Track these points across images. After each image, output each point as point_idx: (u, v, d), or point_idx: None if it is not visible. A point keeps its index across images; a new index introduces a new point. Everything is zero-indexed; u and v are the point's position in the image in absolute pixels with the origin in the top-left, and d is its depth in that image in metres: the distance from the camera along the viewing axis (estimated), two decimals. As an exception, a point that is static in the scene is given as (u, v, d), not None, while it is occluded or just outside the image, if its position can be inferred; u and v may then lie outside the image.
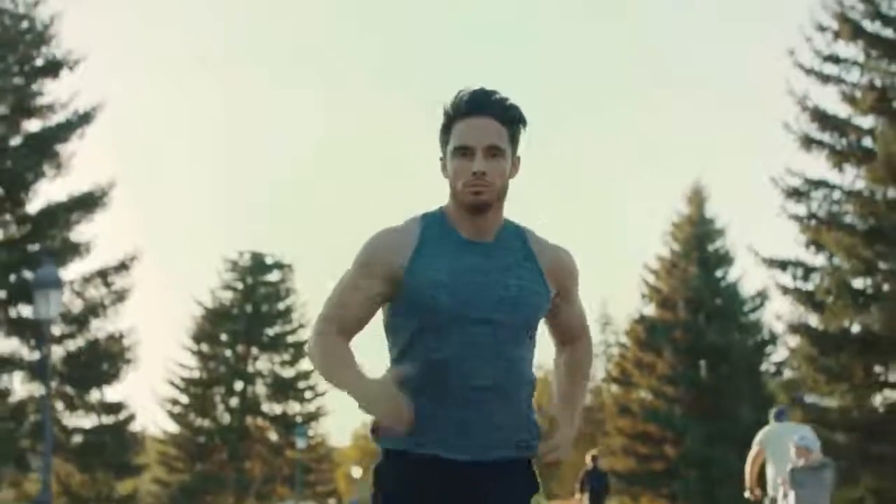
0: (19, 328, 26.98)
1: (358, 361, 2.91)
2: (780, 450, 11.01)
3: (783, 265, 27.34)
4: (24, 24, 28.16)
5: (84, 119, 28.27)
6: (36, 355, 26.46)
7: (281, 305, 43.98)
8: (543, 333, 3.09)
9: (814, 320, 26.93)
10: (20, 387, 27.56)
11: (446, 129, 2.93)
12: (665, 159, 76.26)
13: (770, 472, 11.46)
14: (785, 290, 27.30)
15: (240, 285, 43.66)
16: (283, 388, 43.18)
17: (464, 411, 2.87)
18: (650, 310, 38.85)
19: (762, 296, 37.86)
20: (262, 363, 43.43)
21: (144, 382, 68.35)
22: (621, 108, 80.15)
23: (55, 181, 28.21)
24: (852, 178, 26.68)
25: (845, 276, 26.13)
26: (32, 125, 28.31)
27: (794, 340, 28.08)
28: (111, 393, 29.52)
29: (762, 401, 31.53)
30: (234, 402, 42.73)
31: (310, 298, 45.89)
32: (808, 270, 27.04)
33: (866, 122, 26.76)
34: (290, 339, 43.62)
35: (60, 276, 17.62)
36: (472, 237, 2.94)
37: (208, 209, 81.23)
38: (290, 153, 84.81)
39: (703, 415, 36.09)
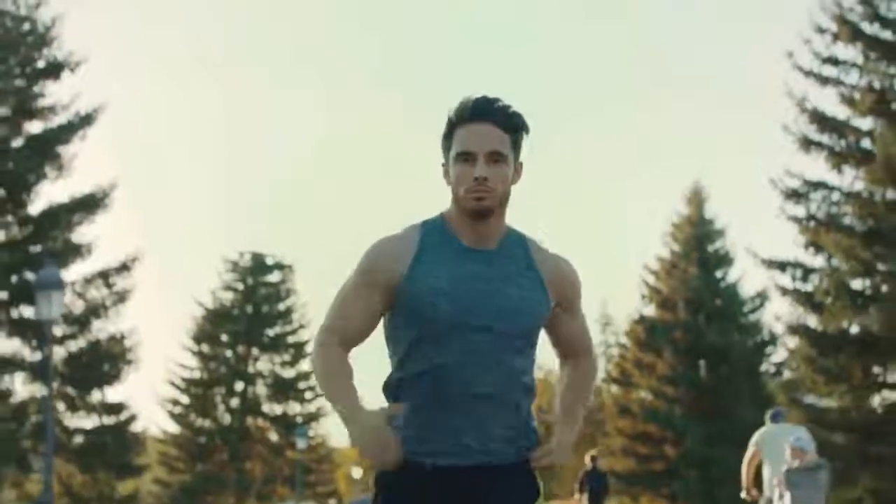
0: (21, 329, 27.04)
1: (355, 384, 2.92)
2: (776, 451, 11.06)
3: (782, 266, 27.39)
4: (26, 27, 28.23)
5: (85, 120, 28.32)
6: (37, 356, 26.51)
7: (281, 306, 43.99)
8: (544, 338, 3.10)
9: (813, 321, 26.98)
10: (22, 387, 27.66)
11: (448, 136, 2.94)
12: (665, 159, 76.15)
13: (766, 472, 11.52)
14: (784, 291, 27.36)
15: (240, 286, 43.67)
16: (284, 389, 43.20)
17: (464, 418, 2.88)
18: (650, 310, 38.86)
19: (762, 297, 37.90)
20: (263, 364, 43.46)
21: (145, 383, 68.18)
22: (621, 108, 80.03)
23: (57, 182, 28.31)
24: (851, 179, 26.75)
25: (844, 278, 26.19)
26: (34, 127, 28.39)
27: (793, 341, 28.12)
28: (112, 393, 29.57)
29: (762, 401, 31.53)
30: (234, 402, 42.77)
31: (310, 299, 46.04)
32: (808, 271, 27.10)
33: (865, 123, 26.82)
34: (291, 339, 43.65)
35: (62, 277, 17.72)
36: (473, 244, 2.94)
37: (209, 210, 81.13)
38: (290, 153, 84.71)
39: (702, 415, 36.11)
